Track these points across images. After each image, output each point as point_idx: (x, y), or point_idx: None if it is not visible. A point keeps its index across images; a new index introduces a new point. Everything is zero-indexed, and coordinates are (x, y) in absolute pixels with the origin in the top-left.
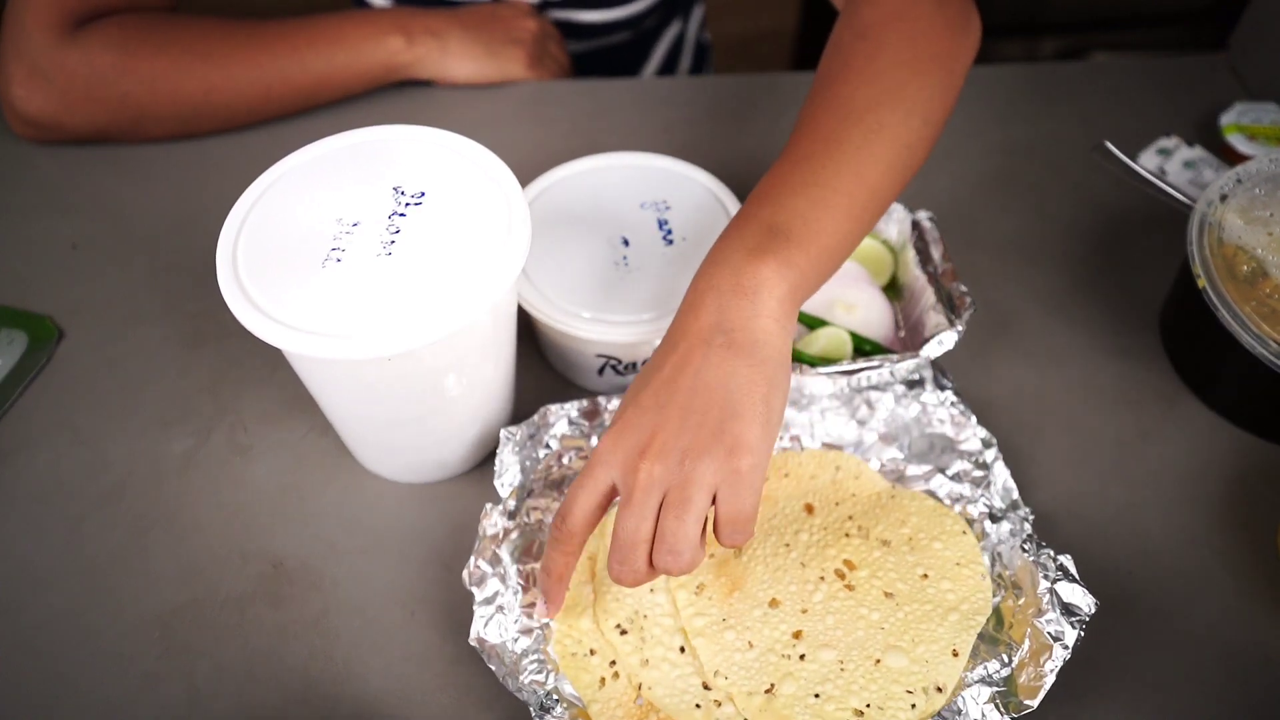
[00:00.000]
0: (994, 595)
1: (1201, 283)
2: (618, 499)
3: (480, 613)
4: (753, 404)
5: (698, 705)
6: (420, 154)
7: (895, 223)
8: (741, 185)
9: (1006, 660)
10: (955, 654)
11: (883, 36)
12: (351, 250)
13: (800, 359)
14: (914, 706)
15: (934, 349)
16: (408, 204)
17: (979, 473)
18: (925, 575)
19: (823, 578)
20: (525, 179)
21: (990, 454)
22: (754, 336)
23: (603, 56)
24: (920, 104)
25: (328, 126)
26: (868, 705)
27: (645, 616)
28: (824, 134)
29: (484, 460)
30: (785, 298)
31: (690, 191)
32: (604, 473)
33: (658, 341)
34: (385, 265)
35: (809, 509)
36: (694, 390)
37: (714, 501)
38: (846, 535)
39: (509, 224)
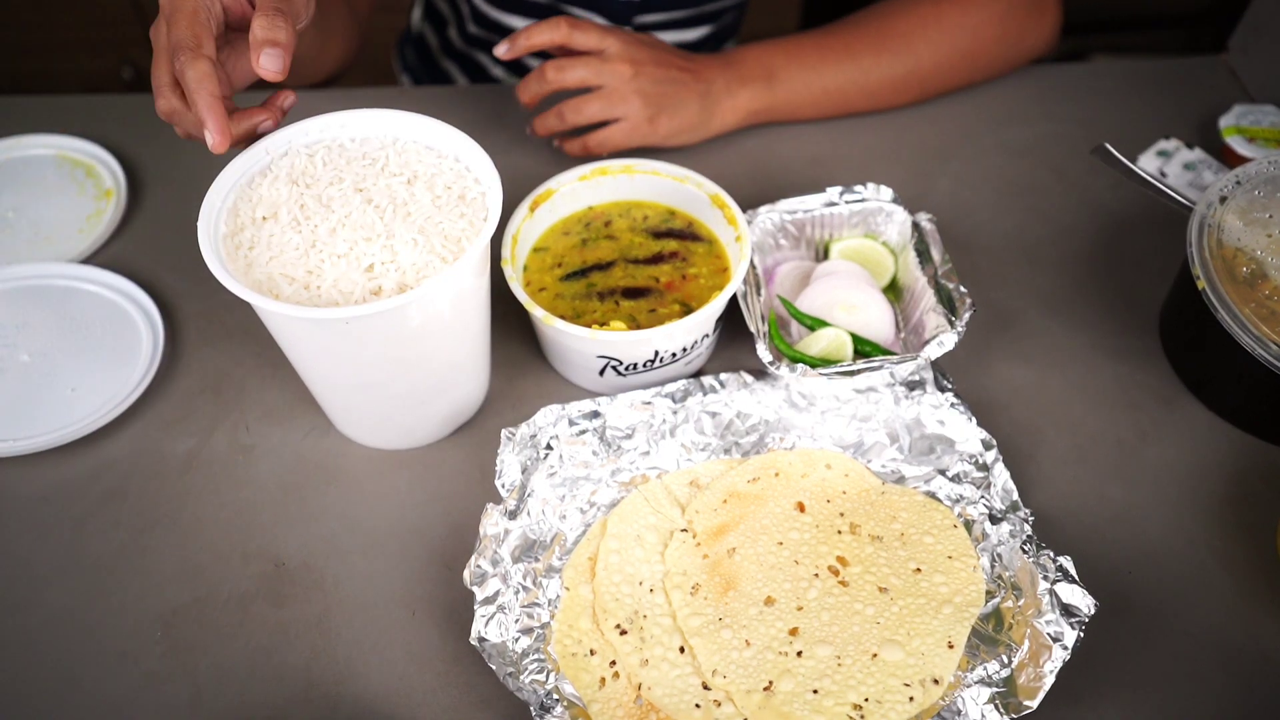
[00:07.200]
0: (994, 596)
1: (1201, 284)
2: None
3: (481, 612)
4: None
5: (697, 705)
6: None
7: (896, 224)
8: (741, 189)
9: (1006, 661)
10: (951, 646)
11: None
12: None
13: (801, 360)
14: (912, 699)
15: (934, 350)
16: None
17: (979, 474)
18: (918, 569)
19: (817, 574)
20: (526, 184)
21: (990, 455)
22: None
23: None
24: (935, 72)
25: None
26: (866, 699)
27: (645, 617)
28: (848, 42)
29: (454, 433)
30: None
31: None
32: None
33: (657, 341)
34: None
35: (800, 507)
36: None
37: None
38: (838, 532)
39: (485, 216)
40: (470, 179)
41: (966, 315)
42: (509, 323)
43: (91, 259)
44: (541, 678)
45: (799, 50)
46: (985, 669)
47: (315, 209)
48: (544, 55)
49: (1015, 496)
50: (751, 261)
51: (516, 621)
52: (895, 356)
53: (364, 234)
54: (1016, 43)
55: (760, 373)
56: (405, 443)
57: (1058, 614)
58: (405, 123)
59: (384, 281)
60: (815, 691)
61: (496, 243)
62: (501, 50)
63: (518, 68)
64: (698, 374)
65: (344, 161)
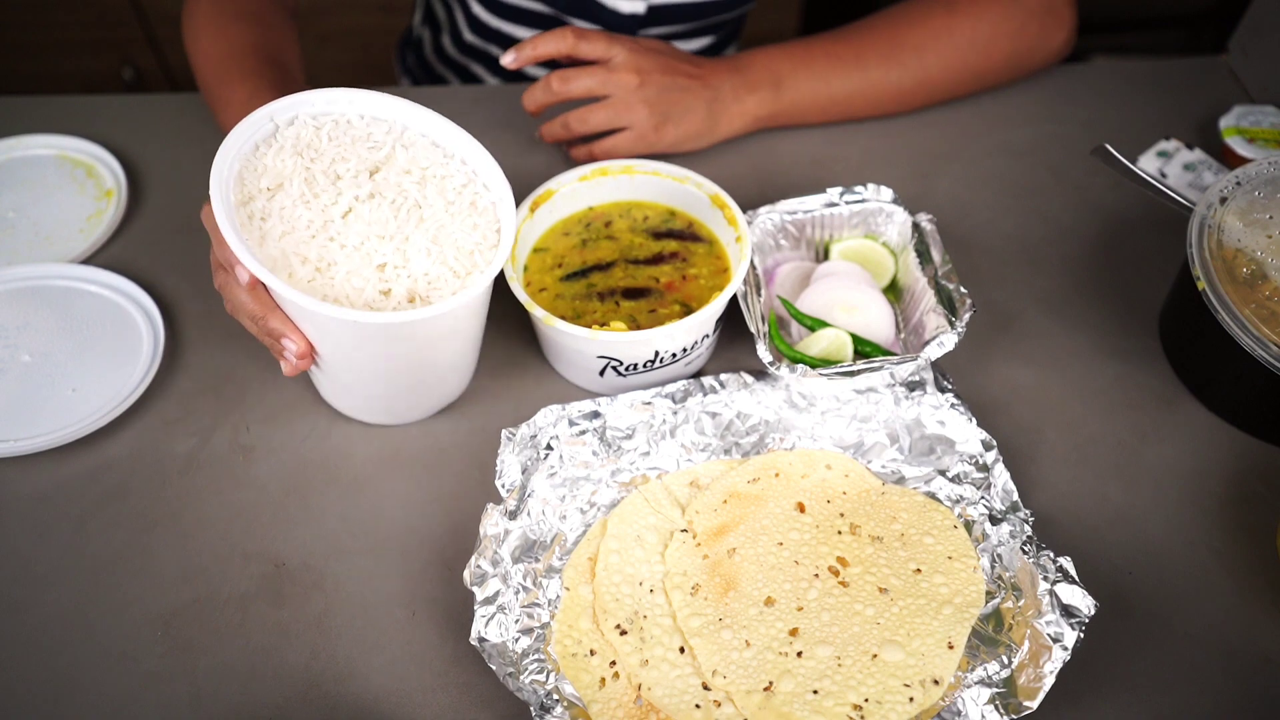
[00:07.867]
0: (994, 597)
1: (1201, 285)
2: None
3: (481, 612)
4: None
5: (697, 705)
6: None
7: (896, 225)
8: (741, 189)
9: (1006, 662)
10: (951, 647)
11: (973, 9)
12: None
13: (801, 361)
14: (911, 700)
15: (934, 351)
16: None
17: (979, 474)
18: (918, 570)
19: (817, 575)
20: (528, 184)
21: (990, 456)
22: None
23: None
24: (943, 84)
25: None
26: (866, 700)
27: (645, 617)
28: (858, 50)
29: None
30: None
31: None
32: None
33: (658, 342)
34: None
35: (800, 508)
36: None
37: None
38: (839, 533)
39: (497, 228)
40: (479, 184)
41: (966, 316)
42: (509, 322)
43: (92, 259)
44: (541, 678)
45: (808, 57)
46: (985, 669)
47: (324, 184)
48: (548, 64)
49: (1015, 497)
50: (752, 262)
51: (516, 622)
52: (895, 357)
53: (377, 230)
54: (1028, 57)
55: (760, 373)
56: (388, 419)
57: (1058, 615)
58: (414, 115)
59: (394, 285)
60: (815, 692)
61: None
62: (507, 60)
63: (512, 77)
64: (698, 374)
65: (349, 140)
